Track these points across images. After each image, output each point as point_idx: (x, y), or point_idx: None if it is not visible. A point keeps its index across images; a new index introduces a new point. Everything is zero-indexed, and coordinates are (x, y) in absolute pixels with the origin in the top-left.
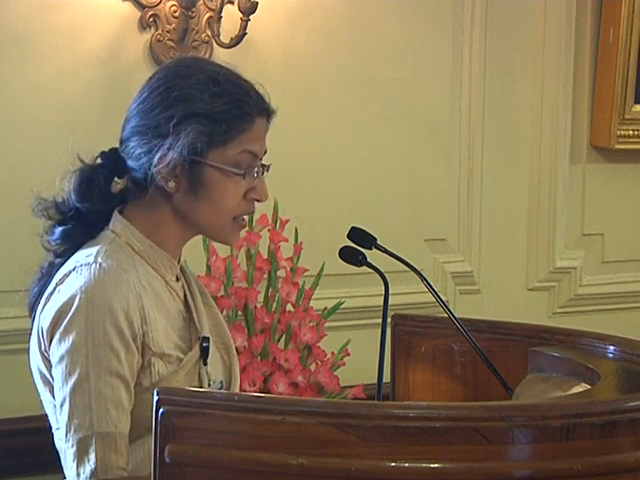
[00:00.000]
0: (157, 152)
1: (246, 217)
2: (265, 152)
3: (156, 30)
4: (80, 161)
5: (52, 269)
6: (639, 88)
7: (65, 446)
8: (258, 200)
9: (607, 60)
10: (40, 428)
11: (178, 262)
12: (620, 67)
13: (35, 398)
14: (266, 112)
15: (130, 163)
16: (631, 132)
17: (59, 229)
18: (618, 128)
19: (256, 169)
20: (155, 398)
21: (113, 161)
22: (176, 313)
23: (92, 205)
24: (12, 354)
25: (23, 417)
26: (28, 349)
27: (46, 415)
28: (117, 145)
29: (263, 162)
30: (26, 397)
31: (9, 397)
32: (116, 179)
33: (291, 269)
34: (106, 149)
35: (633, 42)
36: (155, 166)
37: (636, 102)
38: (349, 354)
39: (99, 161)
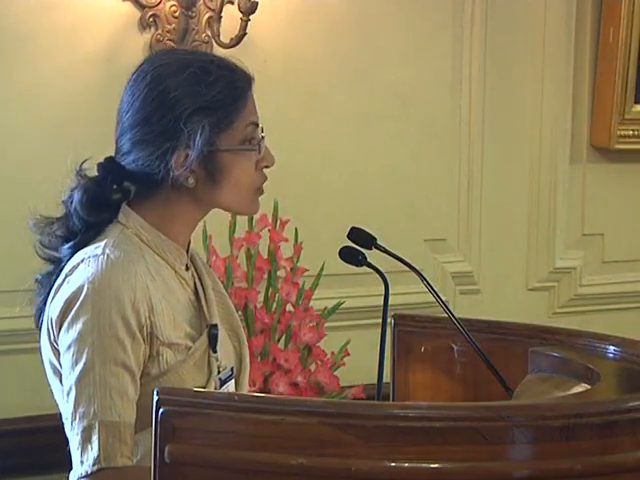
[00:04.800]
0: (172, 155)
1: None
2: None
3: (156, 30)
4: (78, 175)
5: (50, 279)
6: (639, 88)
7: (70, 434)
8: (267, 166)
9: (607, 60)
10: (40, 428)
11: (187, 251)
12: (620, 67)
13: (35, 398)
14: (251, 81)
15: (136, 170)
16: (631, 132)
17: (67, 246)
18: (618, 128)
19: (261, 138)
20: (155, 398)
21: (113, 172)
22: (186, 302)
23: (100, 216)
24: (12, 354)
25: (23, 417)
26: (39, 348)
27: (57, 412)
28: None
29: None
30: (26, 397)
31: (9, 397)
32: (115, 186)
33: (291, 269)
34: (101, 159)
35: (633, 42)
36: (174, 169)
37: (636, 102)
38: (349, 354)
39: (98, 173)
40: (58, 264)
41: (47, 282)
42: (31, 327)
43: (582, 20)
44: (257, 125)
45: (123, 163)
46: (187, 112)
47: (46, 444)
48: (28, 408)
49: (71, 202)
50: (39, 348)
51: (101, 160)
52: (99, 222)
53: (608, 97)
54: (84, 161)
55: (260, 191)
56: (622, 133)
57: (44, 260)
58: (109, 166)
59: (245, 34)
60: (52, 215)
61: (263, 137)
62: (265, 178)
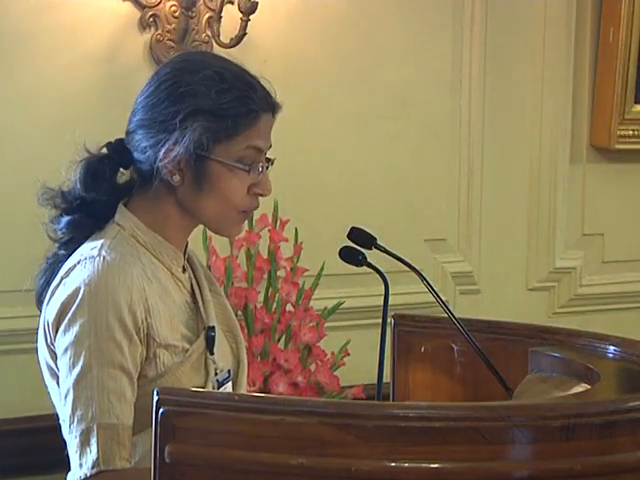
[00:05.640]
0: (163, 146)
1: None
2: (270, 146)
3: (156, 30)
4: (86, 151)
5: (57, 260)
6: (639, 88)
7: (69, 437)
8: (261, 194)
9: (607, 60)
10: (40, 428)
11: (184, 253)
12: (620, 67)
13: (35, 398)
14: (272, 107)
15: (136, 155)
16: (631, 132)
17: (65, 219)
18: (618, 128)
19: (260, 164)
20: (155, 398)
21: (119, 152)
22: (183, 304)
23: (97, 195)
24: (12, 354)
25: (23, 417)
26: (36, 349)
27: (55, 413)
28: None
29: (268, 156)
30: (26, 397)
31: (9, 397)
32: (121, 170)
33: (291, 269)
34: (112, 140)
35: (633, 42)
36: (161, 160)
37: (636, 102)
38: (349, 354)
39: (105, 152)
40: (67, 246)
41: (53, 263)
42: (31, 327)
43: (582, 20)
44: (261, 151)
45: (129, 146)
46: (187, 110)
47: (46, 444)
48: (28, 408)
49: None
50: (36, 349)
51: (112, 140)
52: (95, 204)
53: (608, 97)
54: (104, 146)
55: (246, 215)
56: (622, 133)
57: (53, 241)
58: (116, 146)
59: (245, 34)
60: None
61: (267, 167)
62: (256, 205)
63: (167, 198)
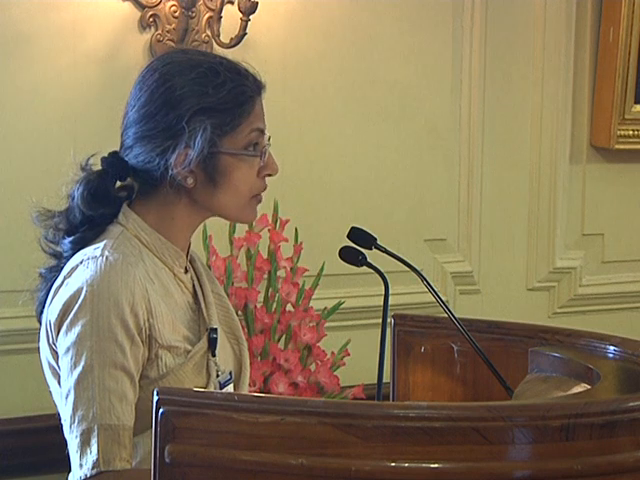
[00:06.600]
0: (172, 153)
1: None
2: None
3: (156, 30)
4: (83, 170)
5: (53, 273)
6: (639, 88)
7: (69, 437)
8: (270, 175)
9: (607, 60)
10: (40, 428)
11: (187, 254)
12: (620, 67)
13: (35, 398)
14: (261, 88)
15: (139, 166)
16: (631, 132)
17: (68, 239)
18: (618, 128)
19: (265, 146)
20: (155, 398)
21: (115, 166)
22: (184, 305)
23: (100, 211)
24: (12, 354)
25: (23, 417)
26: (38, 348)
27: (56, 413)
28: (117, 147)
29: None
30: (26, 397)
31: (9, 397)
32: (119, 182)
33: (291, 269)
34: (105, 154)
35: (633, 42)
36: (173, 167)
37: (636, 102)
38: (349, 354)
39: (101, 167)
40: (62, 258)
41: (50, 276)
42: (31, 327)
43: (582, 20)
44: (263, 132)
45: (126, 158)
46: (190, 111)
47: (46, 444)
48: (28, 408)
49: (74, 196)
50: (38, 348)
51: (105, 155)
52: (99, 218)
53: (608, 97)
54: (91, 156)
55: (258, 199)
56: (622, 133)
57: (48, 254)
58: (112, 160)
59: (245, 34)
60: (55, 209)
61: (268, 145)
62: (265, 187)
63: (177, 200)
